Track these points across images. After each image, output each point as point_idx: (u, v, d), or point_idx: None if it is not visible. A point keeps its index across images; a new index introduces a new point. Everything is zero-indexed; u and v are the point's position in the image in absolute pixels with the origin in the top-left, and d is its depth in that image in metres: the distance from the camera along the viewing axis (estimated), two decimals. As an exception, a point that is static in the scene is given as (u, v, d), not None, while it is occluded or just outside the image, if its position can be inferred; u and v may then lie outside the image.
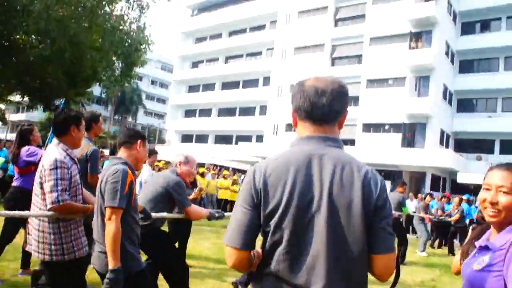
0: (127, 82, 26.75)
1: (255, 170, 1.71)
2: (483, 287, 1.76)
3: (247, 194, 1.68)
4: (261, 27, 43.59)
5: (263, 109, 40.30)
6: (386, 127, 30.49)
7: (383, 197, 1.63)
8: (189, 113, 49.22)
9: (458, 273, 2.48)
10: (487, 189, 1.96)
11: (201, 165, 23.85)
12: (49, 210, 3.08)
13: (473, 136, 31.68)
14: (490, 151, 31.10)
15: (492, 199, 1.91)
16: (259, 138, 39.56)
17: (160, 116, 67.36)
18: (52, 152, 3.23)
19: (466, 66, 33.16)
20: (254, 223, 1.66)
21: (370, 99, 30.89)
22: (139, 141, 3.28)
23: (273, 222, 1.63)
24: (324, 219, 1.59)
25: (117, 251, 2.84)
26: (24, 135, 5.65)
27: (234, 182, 18.65)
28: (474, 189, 23.99)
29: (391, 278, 1.77)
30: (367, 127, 30.87)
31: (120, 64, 25.30)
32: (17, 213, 3.44)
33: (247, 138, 40.90)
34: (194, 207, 4.53)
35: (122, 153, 3.25)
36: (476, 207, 16.07)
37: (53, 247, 3.14)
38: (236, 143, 40.02)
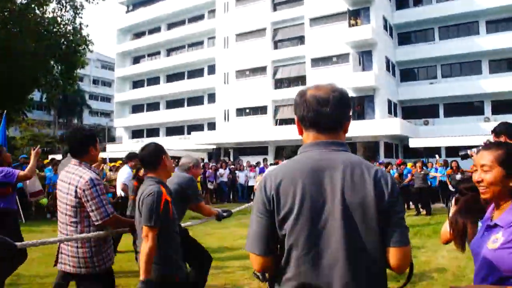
0: (70, 85, 25.92)
1: (266, 179, 1.76)
2: (505, 265, 1.81)
3: (260, 202, 1.73)
4: (200, 17, 43.08)
5: (211, 97, 40.06)
6: (335, 102, 30.77)
7: (395, 193, 1.69)
8: (136, 108, 48.31)
9: (447, 242, 2.65)
10: (476, 170, 2.09)
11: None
12: (100, 225, 3.29)
13: (419, 103, 32.87)
14: (436, 115, 32.48)
15: (478, 177, 2.05)
16: (211, 126, 39.38)
17: (107, 114, 65.65)
18: (82, 172, 3.35)
19: (405, 38, 34.31)
20: (269, 229, 1.71)
21: (316, 78, 31.12)
22: (163, 157, 3.44)
23: (287, 227, 1.67)
24: (338, 220, 1.64)
25: (149, 266, 3.09)
26: None
27: (194, 172, 18.53)
28: (425, 153, 25.05)
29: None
30: (317, 104, 31.29)
31: (59, 68, 24.50)
32: (63, 238, 3.41)
33: (199, 127, 40.70)
34: (205, 205, 4.74)
35: (152, 173, 3.42)
36: (436, 169, 16.88)
37: (95, 258, 3.31)
38: (188, 133, 39.69)
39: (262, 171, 20.51)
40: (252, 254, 1.75)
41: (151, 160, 3.42)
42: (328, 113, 1.75)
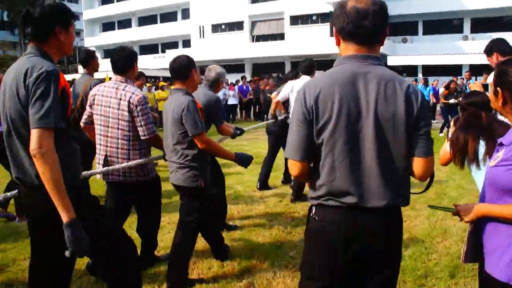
0: (32, 1, 24.51)
1: (304, 90, 1.86)
2: (499, 181, 1.81)
3: (299, 112, 1.85)
4: None
5: (185, 13, 38.78)
6: (314, 18, 30.41)
7: (423, 108, 1.82)
8: (107, 26, 46.72)
9: (446, 163, 2.69)
10: None
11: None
12: (147, 139, 3.59)
13: (398, 19, 32.17)
14: (415, 32, 32.25)
15: None
16: (186, 43, 38.47)
17: (76, 33, 62.53)
18: (134, 89, 3.60)
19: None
20: (308, 137, 1.85)
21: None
22: (193, 71, 3.55)
23: (325, 135, 1.81)
24: (371, 130, 1.78)
25: (226, 152, 3.66)
26: None
27: (172, 91, 18.16)
28: (402, 70, 25.05)
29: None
30: (295, 20, 30.63)
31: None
32: (137, 162, 3.66)
33: (174, 45, 39.78)
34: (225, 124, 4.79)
35: (180, 84, 3.54)
36: (434, 88, 16.83)
37: (145, 168, 3.71)
38: (163, 51, 38.76)
39: (241, 89, 20.24)
40: (291, 160, 1.92)
41: (182, 71, 3.52)
42: (367, 25, 1.79)
